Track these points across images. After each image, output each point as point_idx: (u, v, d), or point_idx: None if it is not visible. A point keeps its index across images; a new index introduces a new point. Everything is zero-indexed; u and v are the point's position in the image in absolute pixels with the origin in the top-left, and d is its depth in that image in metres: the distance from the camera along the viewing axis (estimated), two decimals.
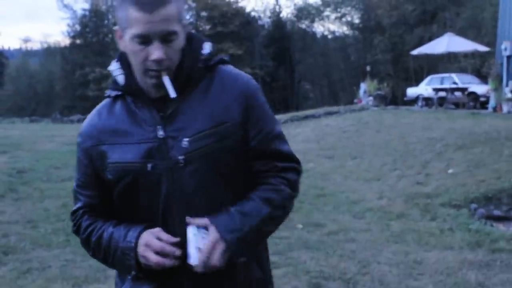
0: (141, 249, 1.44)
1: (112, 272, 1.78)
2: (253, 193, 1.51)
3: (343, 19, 44.99)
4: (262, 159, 1.53)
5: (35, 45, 72.31)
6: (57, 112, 30.22)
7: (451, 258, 5.12)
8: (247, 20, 44.19)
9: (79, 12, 45.27)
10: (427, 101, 20.73)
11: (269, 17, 47.55)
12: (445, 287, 4.47)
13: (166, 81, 1.42)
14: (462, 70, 26.79)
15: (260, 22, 46.96)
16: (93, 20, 45.10)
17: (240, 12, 43.76)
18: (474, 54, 25.67)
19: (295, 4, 48.07)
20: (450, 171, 8.71)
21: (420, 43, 27.49)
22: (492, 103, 16.73)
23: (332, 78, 45.54)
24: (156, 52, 1.39)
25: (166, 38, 1.40)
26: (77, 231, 1.62)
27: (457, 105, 19.08)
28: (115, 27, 1.50)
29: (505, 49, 17.76)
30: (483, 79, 20.74)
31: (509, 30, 18.15)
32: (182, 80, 1.48)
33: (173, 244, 1.43)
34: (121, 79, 1.52)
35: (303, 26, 46.84)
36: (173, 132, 1.46)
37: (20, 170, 9.31)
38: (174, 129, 1.47)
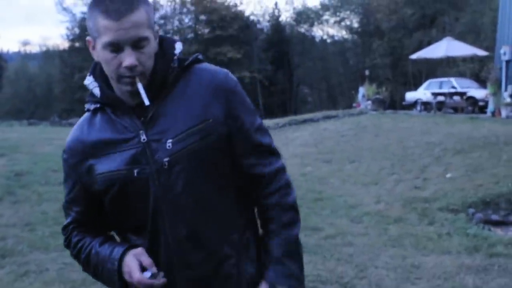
0: (126, 276, 1.47)
1: None
2: (271, 223, 1.56)
3: (342, 23, 45.18)
4: (246, 153, 1.54)
5: (34, 48, 72.65)
6: (56, 115, 30.13)
7: (449, 263, 5.12)
8: (246, 24, 44.28)
9: (78, 15, 45.02)
10: (426, 105, 20.71)
11: (268, 21, 47.69)
12: None
13: (140, 88, 1.43)
14: (461, 75, 26.83)
15: (259, 26, 47.07)
16: None
17: (239, 16, 43.85)
18: (473, 59, 25.74)
19: (294, 8, 48.14)
20: (448, 175, 8.71)
21: (419, 47, 27.50)
22: (490, 107, 16.70)
23: (330, 82, 45.65)
24: (128, 58, 1.39)
25: (137, 44, 1.40)
26: (68, 245, 1.67)
27: (456, 109, 19.04)
28: (87, 38, 1.50)
29: (504, 53, 17.74)
30: (482, 83, 20.72)
31: (508, 35, 18.15)
32: (158, 83, 1.48)
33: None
34: (97, 91, 1.53)
35: (302, 30, 46.98)
36: (155, 135, 1.47)
37: (18, 173, 9.28)
38: (156, 132, 1.47)
